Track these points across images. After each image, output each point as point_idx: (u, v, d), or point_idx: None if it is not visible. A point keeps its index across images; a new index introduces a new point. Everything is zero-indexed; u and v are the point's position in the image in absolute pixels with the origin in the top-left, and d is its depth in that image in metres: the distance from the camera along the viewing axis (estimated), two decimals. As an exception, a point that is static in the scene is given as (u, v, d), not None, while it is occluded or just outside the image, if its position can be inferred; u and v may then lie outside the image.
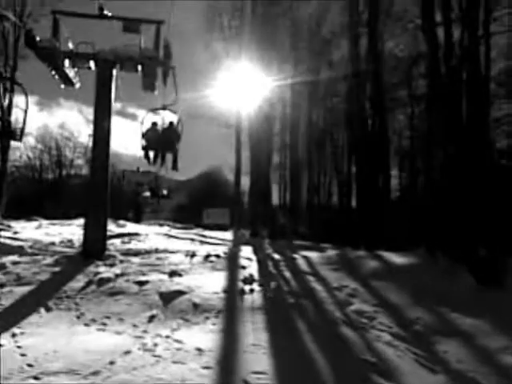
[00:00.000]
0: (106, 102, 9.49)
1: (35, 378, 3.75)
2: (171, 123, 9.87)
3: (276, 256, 10.49)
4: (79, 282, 7.02)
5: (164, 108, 9.77)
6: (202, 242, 13.53)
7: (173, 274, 7.41)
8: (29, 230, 14.31)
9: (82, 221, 12.95)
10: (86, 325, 5.29)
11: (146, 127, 9.89)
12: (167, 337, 4.82)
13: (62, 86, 10.51)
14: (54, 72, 9.84)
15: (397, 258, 9.72)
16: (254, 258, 9.52)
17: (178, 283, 6.87)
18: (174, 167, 10.31)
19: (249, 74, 21.54)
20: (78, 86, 10.55)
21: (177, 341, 4.67)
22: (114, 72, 9.75)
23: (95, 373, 3.83)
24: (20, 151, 42.48)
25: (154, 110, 9.90)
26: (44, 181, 44.54)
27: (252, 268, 8.33)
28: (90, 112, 9.62)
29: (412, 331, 6.18)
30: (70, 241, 11.76)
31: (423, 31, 13.92)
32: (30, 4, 22.91)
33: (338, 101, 26.55)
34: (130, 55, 9.67)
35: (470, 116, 10.92)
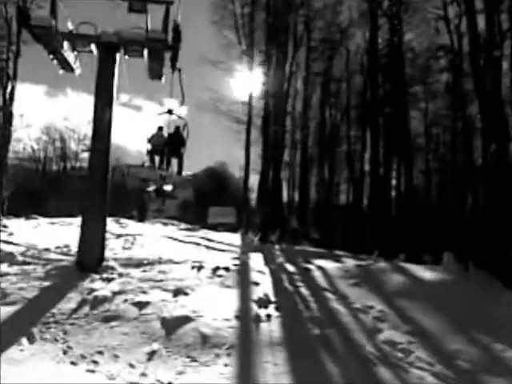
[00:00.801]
0: (107, 90, 8.55)
1: None
2: (177, 128, 9.58)
3: (289, 267, 9.60)
4: (70, 301, 6.16)
5: (170, 112, 9.36)
6: (208, 248, 12.64)
7: (177, 292, 6.53)
8: (25, 231, 13.48)
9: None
10: (74, 363, 4.43)
11: (151, 132, 9.73)
12: (170, 384, 3.96)
13: (61, 72, 9.52)
14: (51, 55, 8.94)
15: (424, 272, 8.80)
16: (266, 270, 8.63)
17: (183, 305, 6.00)
18: (179, 172, 10.13)
19: (260, 66, 20.67)
20: (78, 71, 9.59)
21: (182, 392, 3.81)
22: (118, 56, 8.86)
23: None
24: (24, 143, 41.78)
25: (160, 115, 9.63)
26: (48, 173, 43.66)
27: (265, 284, 7.44)
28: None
29: (455, 368, 5.30)
30: (67, 246, 10.89)
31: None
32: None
33: (351, 95, 25.54)
34: (135, 38, 8.74)
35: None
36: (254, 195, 27.25)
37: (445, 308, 7.08)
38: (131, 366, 4.39)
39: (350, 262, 10.81)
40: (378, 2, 18.28)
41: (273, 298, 6.52)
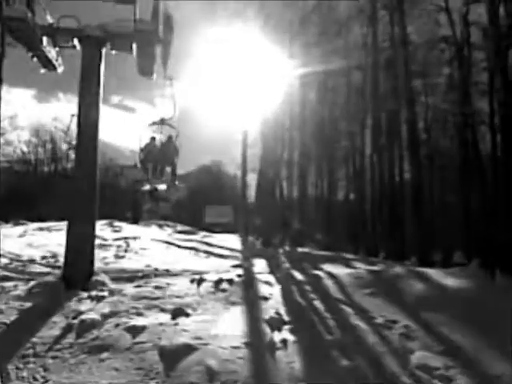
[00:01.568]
0: (93, 88, 7.74)
1: None
2: (170, 137, 9.65)
3: (297, 275, 8.82)
4: (54, 327, 5.34)
5: (162, 122, 9.41)
6: (207, 253, 11.84)
7: (177, 313, 5.72)
8: (10, 240, 12.61)
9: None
10: (54, 413, 3.63)
11: (144, 142, 9.79)
12: None
13: (42, 71, 8.76)
14: (30, 52, 8.10)
15: (446, 279, 8.03)
16: (273, 280, 7.84)
17: (184, 329, 5.19)
18: (173, 181, 10.15)
19: (256, 60, 19.87)
20: (60, 69, 8.81)
21: None
22: (104, 52, 8.02)
23: None
24: (14, 146, 40.86)
25: (152, 124, 9.64)
26: (39, 175, 42.65)
27: (275, 298, 6.65)
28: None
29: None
30: (55, 256, 10.09)
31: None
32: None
33: (351, 92, 24.72)
34: (122, 31, 7.93)
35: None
36: (249, 192, 26.30)
37: (475, 321, 6.32)
38: (124, 416, 3.60)
39: (361, 267, 10.09)
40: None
41: (286, 317, 5.72)
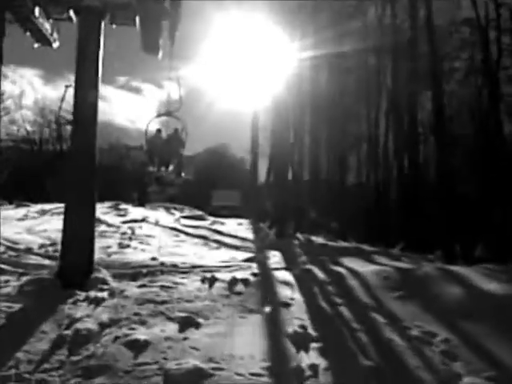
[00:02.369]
0: (91, 66, 6.85)
1: None
2: (176, 130, 9.42)
3: (317, 271, 8.03)
4: (44, 339, 4.59)
5: (169, 114, 9.05)
6: (218, 243, 11.08)
7: (186, 322, 4.94)
8: (9, 224, 11.93)
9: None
10: None
11: (150, 133, 9.57)
12: None
13: (36, 45, 7.95)
14: (21, 25, 7.28)
15: (487, 283, 7.16)
16: (292, 280, 7.04)
17: (193, 346, 4.41)
18: (178, 173, 10.13)
19: (266, 42, 18.92)
20: (56, 44, 7.99)
21: None
22: (103, 25, 7.11)
23: None
24: (18, 124, 40.37)
25: (158, 116, 9.34)
26: (44, 154, 42.06)
27: (297, 305, 5.85)
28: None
29: None
30: (54, 244, 9.34)
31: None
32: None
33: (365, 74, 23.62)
34: (123, 1, 7.04)
35: None
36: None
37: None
38: None
39: (384, 263, 9.30)
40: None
41: (312, 331, 4.92)
